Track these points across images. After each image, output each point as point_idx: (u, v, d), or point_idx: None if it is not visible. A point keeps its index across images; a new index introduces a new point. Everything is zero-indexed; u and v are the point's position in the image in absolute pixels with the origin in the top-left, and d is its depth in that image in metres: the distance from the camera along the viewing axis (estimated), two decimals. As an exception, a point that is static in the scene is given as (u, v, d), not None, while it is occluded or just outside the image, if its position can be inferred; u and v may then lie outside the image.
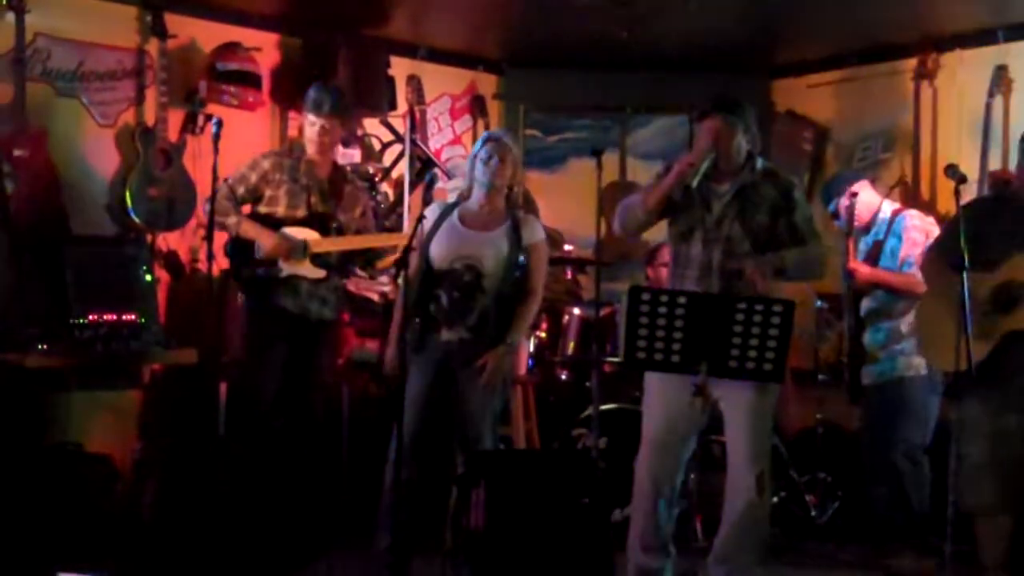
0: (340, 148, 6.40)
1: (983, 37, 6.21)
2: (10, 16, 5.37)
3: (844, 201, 5.48)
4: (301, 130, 5.34)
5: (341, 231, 5.21)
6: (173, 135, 5.88)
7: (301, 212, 5.15)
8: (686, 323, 3.82)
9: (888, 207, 5.51)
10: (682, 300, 3.84)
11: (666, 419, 4.32)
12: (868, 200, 5.50)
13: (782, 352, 3.82)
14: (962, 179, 4.05)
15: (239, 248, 5.17)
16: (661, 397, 4.34)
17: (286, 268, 5.10)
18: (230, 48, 6.10)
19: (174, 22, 5.91)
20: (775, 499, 5.78)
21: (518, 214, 4.73)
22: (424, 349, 4.60)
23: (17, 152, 5.34)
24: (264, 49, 6.30)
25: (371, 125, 6.73)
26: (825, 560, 5.51)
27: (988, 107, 5.99)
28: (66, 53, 5.70)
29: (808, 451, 6.02)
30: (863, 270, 5.40)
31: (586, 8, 6.05)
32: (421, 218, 4.37)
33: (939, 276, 4.35)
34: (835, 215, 5.59)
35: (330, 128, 5.17)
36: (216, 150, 4.79)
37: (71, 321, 5.19)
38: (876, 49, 6.72)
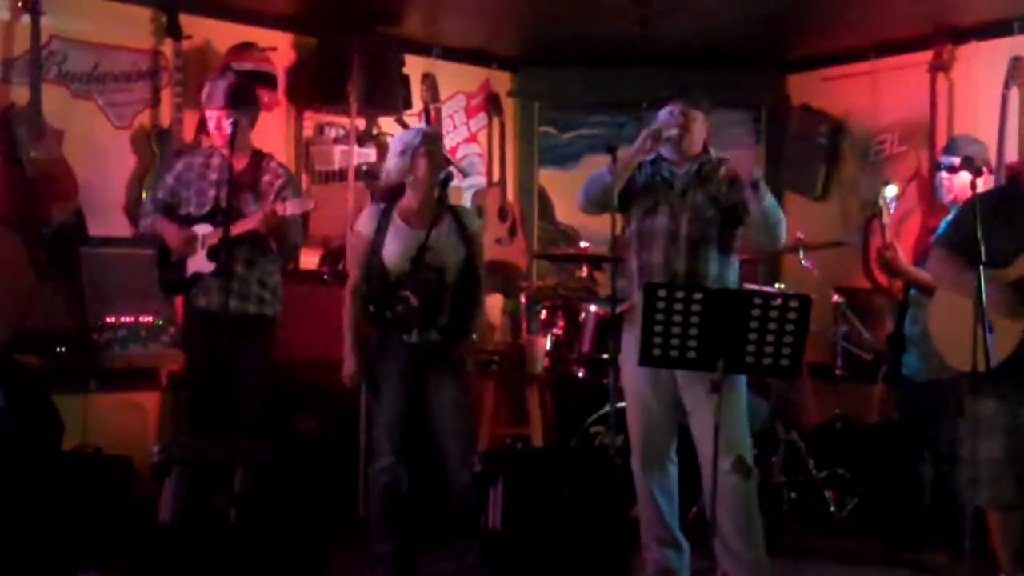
0: (356, 147, 6.42)
1: (998, 28, 6.18)
2: (26, 18, 5.41)
3: (943, 175, 5.10)
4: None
5: None
6: (189, 136, 5.89)
7: (207, 208, 5.05)
8: (702, 319, 3.81)
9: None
10: (697, 296, 3.83)
11: (647, 416, 4.44)
12: (965, 181, 4.91)
13: (799, 347, 3.82)
14: (978, 172, 4.01)
15: (163, 254, 5.12)
16: (637, 396, 4.45)
17: (190, 266, 5.03)
18: (245, 48, 6.10)
19: (189, 23, 5.94)
20: (793, 495, 5.77)
21: (455, 205, 4.70)
22: (389, 352, 4.51)
23: (33, 154, 5.37)
24: (279, 49, 6.32)
25: (386, 124, 6.73)
26: (844, 556, 5.49)
27: (1004, 99, 5.91)
28: (82, 55, 5.72)
29: (826, 446, 6.00)
30: (896, 256, 4.98)
31: (600, 4, 6.04)
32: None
33: (948, 272, 4.28)
34: (944, 168, 5.14)
35: (227, 120, 4.90)
36: (232, 151, 4.79)
37: (89, 323, 5.20)
38: (891, 42, 6.69)
